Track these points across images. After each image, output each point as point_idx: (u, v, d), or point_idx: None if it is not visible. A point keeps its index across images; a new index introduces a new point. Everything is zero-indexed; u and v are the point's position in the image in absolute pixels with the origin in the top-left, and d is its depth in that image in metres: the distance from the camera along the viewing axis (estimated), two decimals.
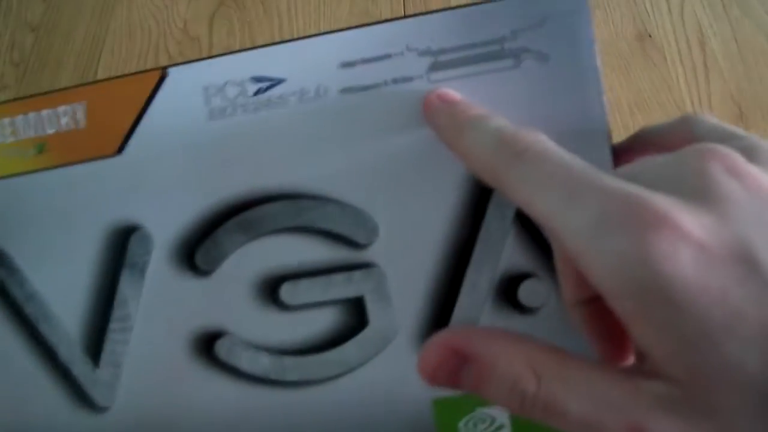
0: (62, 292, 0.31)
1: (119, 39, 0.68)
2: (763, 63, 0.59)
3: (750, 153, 0.20)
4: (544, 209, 0.20)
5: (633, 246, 0.17)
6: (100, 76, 0.65)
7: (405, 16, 0.28)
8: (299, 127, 0.29)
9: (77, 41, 0.68)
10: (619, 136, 0.28)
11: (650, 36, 0.61)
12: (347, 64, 0.28)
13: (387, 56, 0.28)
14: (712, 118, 0.24)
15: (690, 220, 0.18)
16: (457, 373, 0.21)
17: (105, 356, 0.31)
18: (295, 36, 0.65)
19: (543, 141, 0.21)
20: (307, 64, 0.28)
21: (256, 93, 0.29)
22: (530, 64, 0.28)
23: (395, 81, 0.28)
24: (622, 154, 0.28)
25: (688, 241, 0.17)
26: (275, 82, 0.29)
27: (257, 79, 0.29)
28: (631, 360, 0.24)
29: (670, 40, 0.61)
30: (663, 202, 0.18)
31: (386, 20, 0.28)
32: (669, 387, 0.18)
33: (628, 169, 0.21)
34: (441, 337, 0.21)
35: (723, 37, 0.61)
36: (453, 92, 0.27)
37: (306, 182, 0.29)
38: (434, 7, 0.67)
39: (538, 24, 0.27)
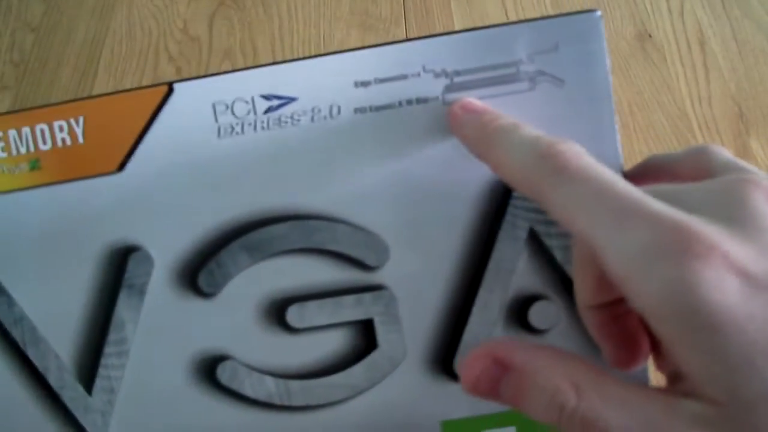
0: (54, 315, 0.29)
1: (119, 39, 0.66)
2: (763, 63, 0.60)
3: None
4: (589, 230, 0.20)
5: (681, 274, 0.18)
6: (101, 75, 0.64)
7: (421, 37, 0.28)
8: (310, 146, 0.28)
9: (77, 41, 0.66)
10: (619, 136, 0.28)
11: (650, 36, 0.62)
12: (362, 84, 0.28)
13: (402, 77, 0.28)
14: (726, 152, 0.25)
15: (736, 249, 0.18)
16: (497, 384, 0.21)
17: (99, 382, 0.29)
18: (294, 36, 0.64)
19: (582, 155, 0.22)
20: (321, 82, 0.28)
21: (267, 111, 0.28)
22: (546, 88, 0.28)
23: (410, 102, 0.28)
24: (632, 181, 0.28)
25: (735, 270, 0.18)
26: (286, 101, 0.28)
27: (268, 97, 0.28)
28: (639, 366, 0.24)
29: (670, 40, 0.62)
30: (711, 231, 0.18)
31: (402, 40, 0.28)
32: (708, 407, 0.18)
33: (665, 191, 0.21)
34: (484, 346, 0.21)
35: (723, 37, 0.62)
36: (477, 102, 0.27)
37: (316, 203, 0.29)
38: (434, 8, 0.67)
39: (554, 48, 0.27)
